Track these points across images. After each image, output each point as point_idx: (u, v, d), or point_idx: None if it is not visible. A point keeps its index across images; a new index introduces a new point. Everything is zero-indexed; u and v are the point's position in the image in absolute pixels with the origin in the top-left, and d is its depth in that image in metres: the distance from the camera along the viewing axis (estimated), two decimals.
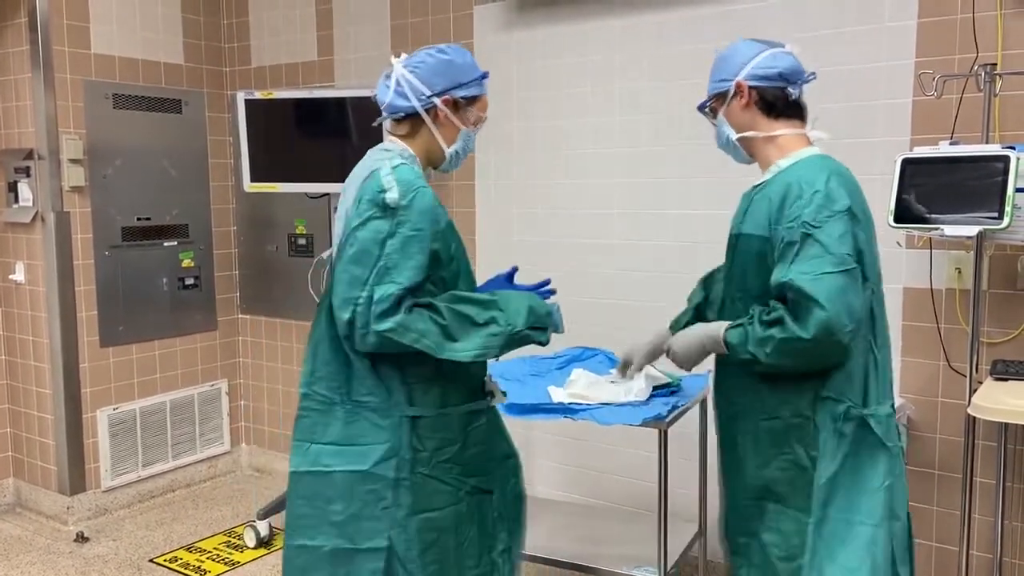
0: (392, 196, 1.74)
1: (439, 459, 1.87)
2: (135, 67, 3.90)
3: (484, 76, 1.92)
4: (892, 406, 1.79)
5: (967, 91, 2.52)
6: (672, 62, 3.04)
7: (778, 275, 1.69)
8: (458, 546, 1.92)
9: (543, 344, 1.92)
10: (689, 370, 1.99)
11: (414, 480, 1.85)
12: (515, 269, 2.09)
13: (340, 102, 3.41)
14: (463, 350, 1.77)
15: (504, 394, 2.06)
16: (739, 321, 1.79)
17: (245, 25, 4.21)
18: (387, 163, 1.80)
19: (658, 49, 3.07)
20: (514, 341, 1.84)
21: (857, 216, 1.68)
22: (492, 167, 3.50)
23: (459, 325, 1.78)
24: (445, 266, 1.84)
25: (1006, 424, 2.46)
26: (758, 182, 1.89)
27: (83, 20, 3.70)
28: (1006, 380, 2.35)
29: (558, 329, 1.95)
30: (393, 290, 1.72)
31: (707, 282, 2.19)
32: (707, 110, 1.93)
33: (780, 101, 1.83)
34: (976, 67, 2.45)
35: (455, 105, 1.89)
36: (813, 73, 1.85)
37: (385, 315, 1.71)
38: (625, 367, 2.27)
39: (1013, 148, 2.24)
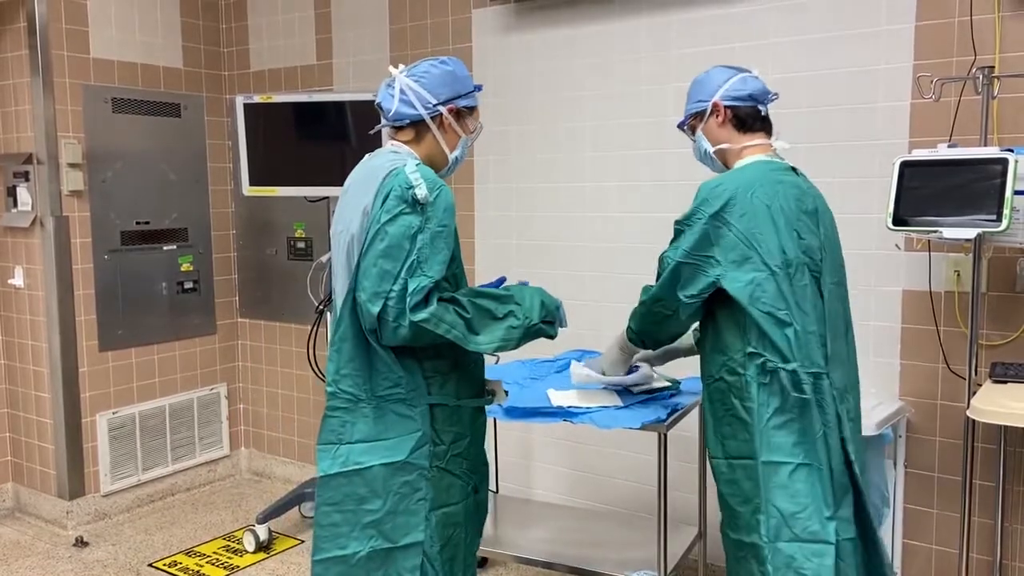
0: (422, 192, 1.82)
1: (453, 452, 1.93)
2: (134, 71, 3.90)
3: (479, 88, 2.04)
4: (813, 371, 1.92)
5: (965, 94, 2.52)
6: (670, 65, 3.05)
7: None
8: (465, 542, 1.97)
9: (552, 337, 2.02)
10: (619, 373, 2.39)
11: (433, 474, 1.89)
12: (502, 280, 2.13)
13: (339, 106, 3.42)
14: (486, 342, 1.87)
15: (507, 393, 2.12)
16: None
17: (244, 29, 4.21)
18: (410, 161, 1.89)
19: (655, 52, 3.07)
20: (530, 334, 1.95)
21: (726, 220, 1.92)
22: (491, 170, 3.50)
23: (480, 318, 1.87)
24: (458, 264, 1.94)
25: (1005, 427, 2.46)
26: None
27: (82, 24, 3.70)
28: (1005, 383, 2.35)
29: (563, 323, 2.04)
30: (426, 283, 1.80)
31: None
32: (686, 128, 2.18)
33: (750, 118, 2.07)
34: (974, 70, 2.45)
35: (458, 114, 1.98)
36: (776, 93, 2.12)
37: (419, 307, 1.79)
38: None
39: (1011, 151, 2.24)
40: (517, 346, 1.93)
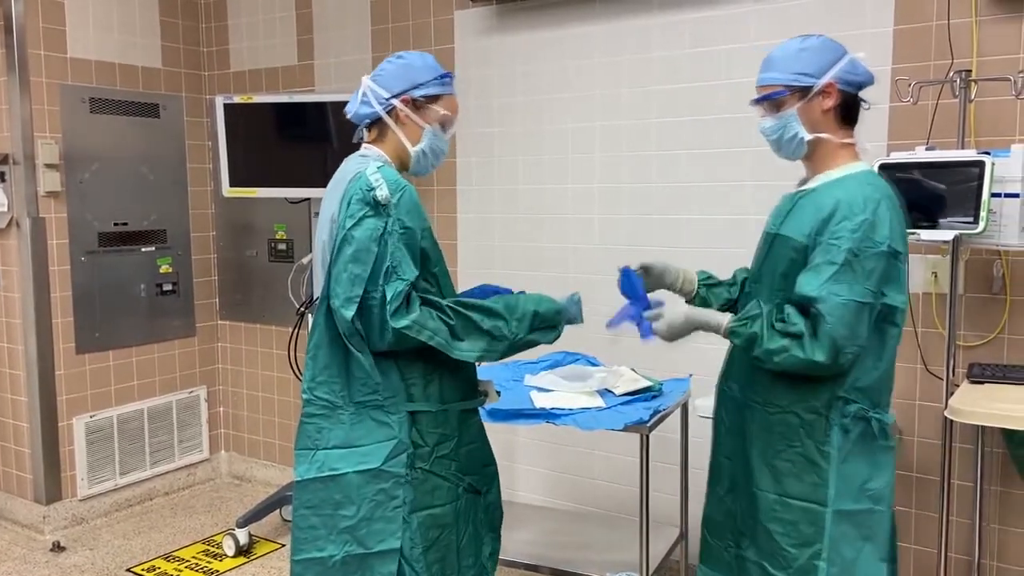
0: (382, 193, 1.80)
1: (438, 454, 1.90)
2: (112, 71, 3.86)
3: (445, 76, 1.96)
4: (890, 411, 1.86)
5: (943, 97, 2.55)
6: (652, 67, 3.06)
7: (807, 287, 1.72)
8: (458, 544, 1.95)
9: (551, 342, 1.99)
10: (670, 340, 1.95)
11: (414, 476, 1.87)
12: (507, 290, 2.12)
13: (320, 106, 3.40)
14: (468, 350, 1.86)
15: (499, 394, 2.11)
16: (744, 318, 1.81)
17: (224, 29, 4.18)
18: (372, 164, 1.87)
19: (637, 55, 3.08)
20: (516, 348, 1.93)
21: (896, 250, 1.71)
22: (473, 172, 3.50)
23: (464, 326, 1.85)
24: (436, 263, 1.92)
25: (982, 427, 2.48)
26: (805, 187, 1.88)
27: (59, 24, 3.66)
28: (982, 383, 2.37)
29: (575, 321, 2.03)
30: (403, 287, 1.79)
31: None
32: (766, 103, 1.84)
33: (855, 111, 1.84)
34: (951, 73, 2.48)
35: (414, 104, 1.93)
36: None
37: (400, 312, 1.79)
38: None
39: (988, 153, 2.26)
40: (503, 357, 1.92)
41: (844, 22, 2.72)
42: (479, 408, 2.06)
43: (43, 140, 3.60)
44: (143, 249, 4.01)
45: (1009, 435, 2.43)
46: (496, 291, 2.12)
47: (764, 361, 1.77)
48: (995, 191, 2.26)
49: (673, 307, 1.94)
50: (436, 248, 1.93)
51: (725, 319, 1.85)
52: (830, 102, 1.79)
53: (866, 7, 2.67)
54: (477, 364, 2.00)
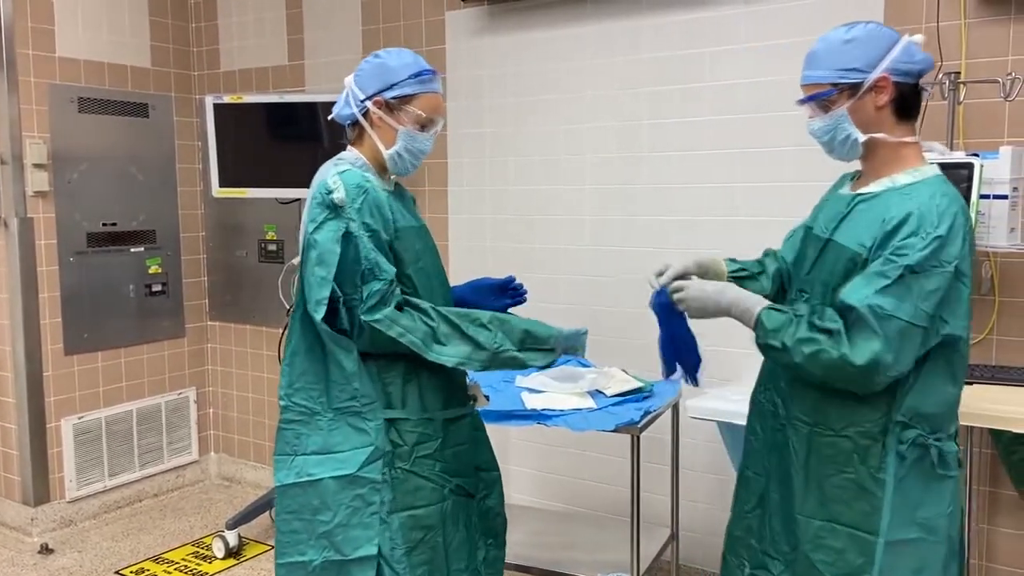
0: (339, 195, 1.80)
1: (419, 455, 1.89)
2: (101, 71, 3.84)
3: (421, 73, 1.89)
4: (956, 440, 1.72)
5: (932, 99, 2.56)
6: (642, 69, 3.06)
7: (855, 294, 1.56)
8: (447, 547, 1.92)
9: (542, 368, 1.97)
10: (695, 317, 1.79)
11: (394, 476, 1.86)
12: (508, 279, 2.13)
13: (311, 106, 3.39)
14: (448, 354, 1.83)
15: (487, 398, 2.11)
16: (783, 308, 1.68)
17: (214, 29, 4.17)
18: (332, 168, 1.87)
19: (628, 56, 3.08)
20: (500, 361, 1.88)
21: (962, 271, 1.56)
22: (464, 173, 3.49)
23: (448, 331, 1.84)
24: (410, 264, 1.90)
25: (971, 427, 2.49)
26: (864, 190, 1.68)
27: (48, 23, 3.64)
28: (972, 384, 2.38)
29: (576, 352, 1.96)
30: (379, 286, 1.79)
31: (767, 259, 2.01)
32: (813, 103, 1.66)
33: (916, 104, 1.65)
34: (940, 75, 2.49)
35: (387, 106, 1.89)
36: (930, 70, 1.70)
37: (374, 309, 1.78)
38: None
39: (977, 155, 2.27)
40: (485, 368, 1.88)
41: (833, 25, 2.72)
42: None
43: (31, 140, 3.58)
44: (132, 249, 3.99)
45: (998, 436, 2.45)
46: (490, 283, 2.13)
47: (793, 353, 1.60)
48: (984, 193, 2.27)
49: (709, 284, 1.76)
50: (413, 250, 1.90)
51: (763, 302, 1.68)
52: (885, 97, 1.61)
53: (855, 10, 2.67)
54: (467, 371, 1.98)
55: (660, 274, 1.82)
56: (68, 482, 3.78)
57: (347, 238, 1.79)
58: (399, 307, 1.82)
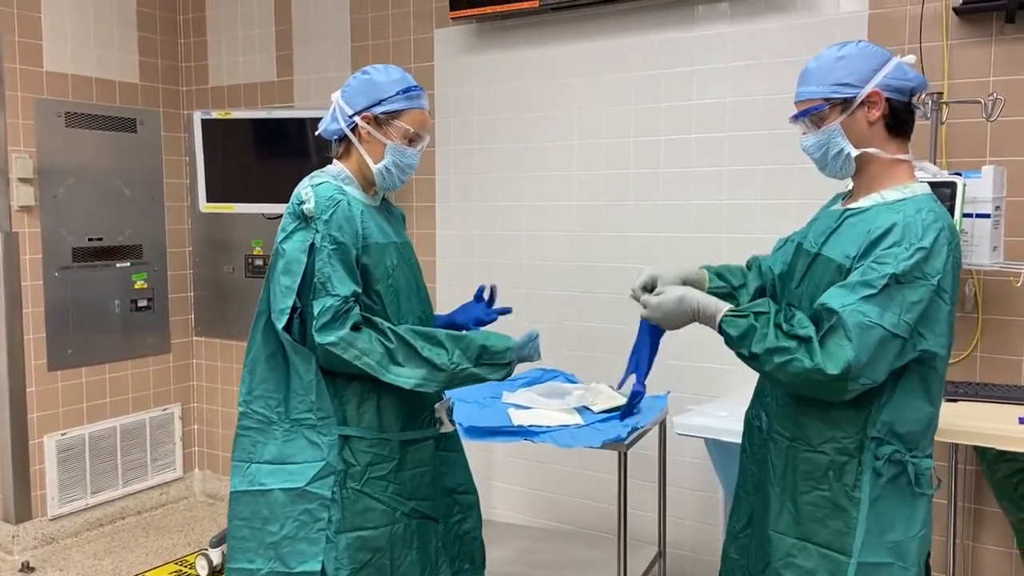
0: (308, 207, 1.81)
1: (372, 475, 1.87)
2: (89, 85, 3.83)
3: (408, 89, 1.91)
4: (931, 457, 1.70)
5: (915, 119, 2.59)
6: (630, 87, 3.08)
7: (838, 300, 1.54)
8: (393, 570, 1.89)
9: (500, 380, 1.95)
10: (666, 329, 1.81)
11: (344, 495, 1.84)
12: (482, 288, 2.12)
13: (299, 122, 3.40)
14: (405, 376, 1.82)
15: (453, 423, 2.06)
16: (742, 311, 1.65)
17: (203, 45, 4.17)
18: (307, 180, 1.88)
19: (616, 74, 3.11)
20: (459, 380, 1.88)
21: (943, 288, 1.55)
22: (452, 189, 3.50)
23: (405, 352, 1.82)
24: (380, 281, 1.88)
25: (956, 444, 2.50)
26: (854, 205, 1.69)
27: (36, 38, 3.63)
28: (956, 401, 2.39)
29: (531, 358, 1.97)
30: (331, 302, 1.77)
31: (751, 269, 2.00)
32: (806, 120, 1.68)
33: (908, 120, 1.67)
34: (923, 96, 2.52)
35: (376, 121, 1.90)
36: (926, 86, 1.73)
37: (327, 328, 1.77)
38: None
39: (959, 175, 2.30)
40: (443, 389, 1.89)
41: (817, 45, 2.75)
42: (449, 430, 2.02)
43: (17, 154, 3.56)
44: (118, 264, 3.97)
45: (982, 453, 2.46)
46: (478, 294, 2.14)
47: (762, 362, 1.59)
48: (967, 211, 2.29)
49: (668, 289, 1.75)
50: (384, 267, 1.88)
51: (723, 308, 1.67)
52: (876, 112, 1.63)
53: (839, 31, 2.71)
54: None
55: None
56: (50, 499, 3.74)
57: (312, 250, 1.79)
58: (357, 327, 1.80)
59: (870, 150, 1.64)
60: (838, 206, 1.77)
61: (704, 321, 1.71)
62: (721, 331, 1.67)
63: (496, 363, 1.91)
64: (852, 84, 1.63)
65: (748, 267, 2.00)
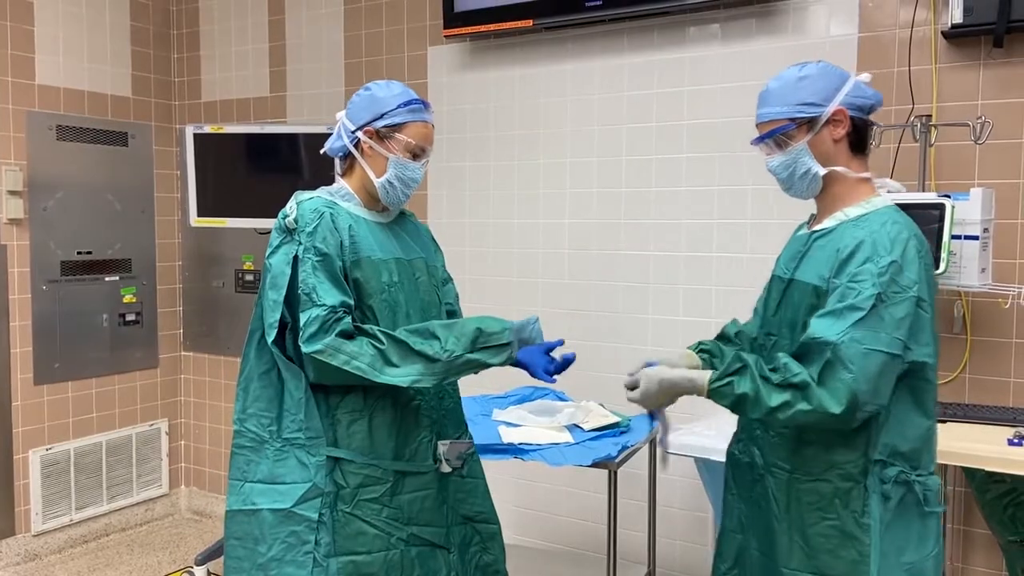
0: (290, 219, 1.81)
1: (363, 497, 1.82)
2: (81, 99, 3.83)
3: (410, 103, 1.89)
4: (935, 474, 1.70)
5: (904, 141, 2.61)
6: (621, 106, 3.10)
7: (829, 330, 1.53)
8: None
9: (503, 363, 1.87)
10: (651, 410, 1.82)
11: (335, 518, 1.81)
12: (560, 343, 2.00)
13: (291, 138, 3.40)
14: (400, 375, 1.77)
15: (449, 463, 1.95)
16: (725, 376, 1.62)
17: (196, 59, 4.18)
18: (294, 196, 1.88)
19: (607, 93, 3.13)
20: (456, 368, 1.82)
21: (921, 297, 1.55)
22: (444, 205, 3.50)
23: (397, 350, 1.78)
24: (374, 296, 1.85)
25: (946, 466, 2.51)
26: (819, 227, 1.70)
27: (28, 51, 3.63)
28: (945, 422, 2.40)
29: (532, 340, 1.92)
30: (317, 312, 1.75)
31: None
32: (771, 142, 1.69)
33: (867, 138, 1.70)
34: (912, 118, 2.55)
35: (378, 135, 1.90)
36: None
37: (313, 338, 1.74)
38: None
39: (948, 196, 2.31)
40: (442, 380, 1.83)
41: None
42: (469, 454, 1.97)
43: (7, 167, 3.55)
44: (107, 278, 3.95)
45: (971, 474, 2.46)
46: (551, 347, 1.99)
47: (768, 423, 1.60)
48: (955, 233, 2.30)
49: (650, 373, 1.74)
50: (378, 281, 1.85)
51: (705, 378, 1.64)
52: (841, 131, 1.64)
53: (829, 53, 2.73)
54: (440, 436, 1.92)
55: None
56: (34, 515, 3.69)
57: (296, 262, 1.79)
58: (349, 336, 1.76)
59: (837, 168, 1.66)
60: (804, 230, 1.78)
61: (689, 393, 1.70)
62: (712, 397, 1.65)
63: (493, 345, 1.85)
64: (816, 103, 1.64)
65: (727, 337, 1.96)
